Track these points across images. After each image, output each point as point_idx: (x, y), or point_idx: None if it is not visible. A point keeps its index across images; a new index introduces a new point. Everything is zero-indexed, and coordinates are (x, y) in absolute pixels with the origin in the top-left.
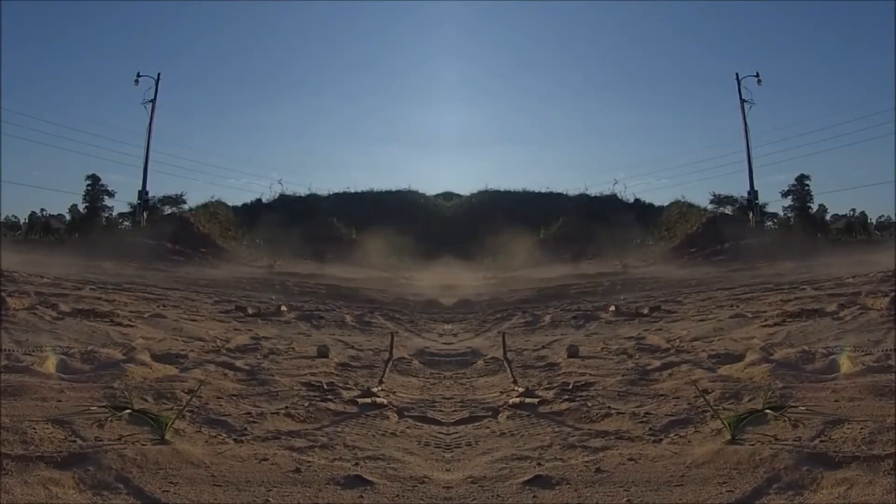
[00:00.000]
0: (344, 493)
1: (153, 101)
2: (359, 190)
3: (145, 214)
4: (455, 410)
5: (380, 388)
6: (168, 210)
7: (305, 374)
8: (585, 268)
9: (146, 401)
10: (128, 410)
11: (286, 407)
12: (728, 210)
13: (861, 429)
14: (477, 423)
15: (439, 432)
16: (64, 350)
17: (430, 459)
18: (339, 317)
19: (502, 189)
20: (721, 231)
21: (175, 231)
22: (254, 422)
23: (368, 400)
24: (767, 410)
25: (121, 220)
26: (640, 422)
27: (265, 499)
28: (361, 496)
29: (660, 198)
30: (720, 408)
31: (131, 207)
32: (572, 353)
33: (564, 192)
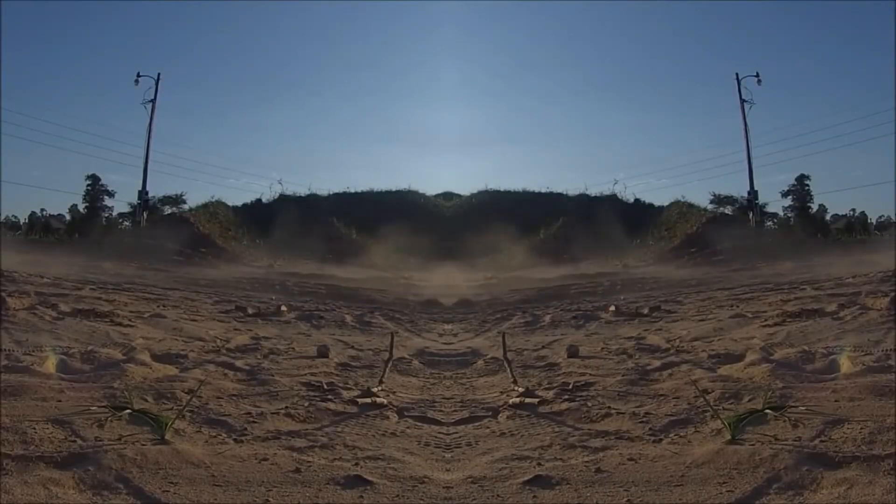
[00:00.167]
0: (344, 493)
1: (153, 101)
2: (359, 190)
3: (145, 214)
4: (455, 410)
5: (380, 388)
6: (168, 210)
7: (305, 374)
8: (585, 268)
9: (146, 401)
10: (128, 410)
11: (286, 407)
12: (728, 210)
13: (861, 429)
14: (477, 423)
15: (439, 432)
16: (64, 350)
17: (430, 459)
18: (339, 317)
19: (502, 189)
20: (721, 231)
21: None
22: (254, 422)
23: (368, 400)
24: (767, 410)
25: (121, 220)
26: (640, 422)
27: (265, 499)
28: (361, 496)
29: (660, 198)
30: (720, 408)
31: (131, 207)
32: (572, 353)
33: (564, 192)
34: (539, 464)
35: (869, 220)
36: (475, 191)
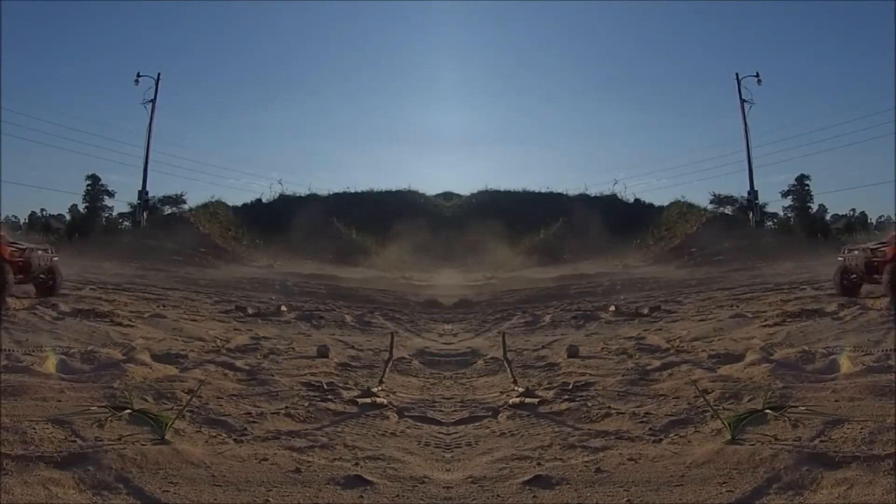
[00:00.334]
0: (344, 493)
1: (153, 101)
2: (359, 190)
3: (145, 214)
4: (455, 410)
5: (380, 388)
6: (168, 210)
7: (305, 374)
8: (585, 268)
9: (146, 401)
10: (128, 410)
11: (286, 407)
12: (728, 210)
13: (861, 429)
14: (477, 423)
15: (439, 432)
16: (64, 350)
17: (430, 459)
18: (339, 317)
19: (502, 189)
20: (721, 231)
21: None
22: (254, 422)
23: (368, 400)
24: (767, 410)
25: (121, 220)
26: (640, 422)
27: (265, 499)
28: (361, 496)
29: (660, 198)
30: (720, 408)
31: (131, 207)
32: (572, 353)
33: (564, 192)
34: (539, 464)
35: (869, 220)
36: (475, 191)
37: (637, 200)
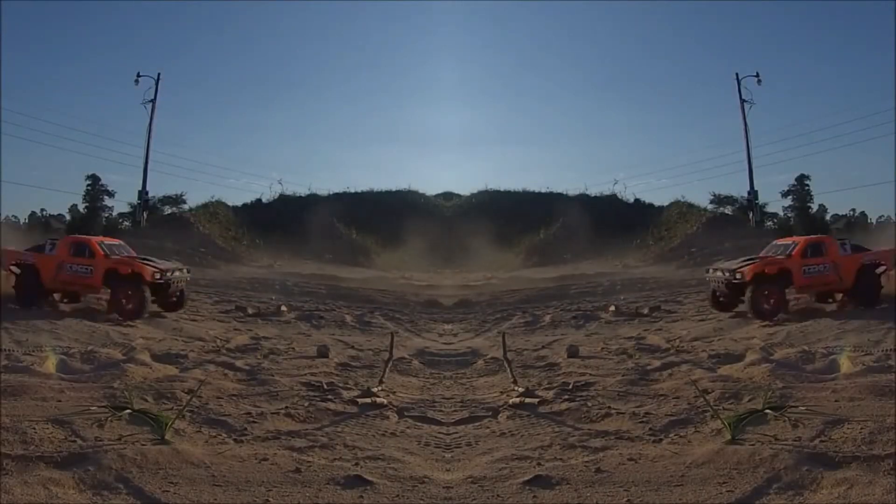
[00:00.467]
0: (344, 493)
1: (153, 101)
2: (359, 190)
3: (145, 214)
4: (455, 410)
5: (380, 388)
6: (168, 210)
7: (305, 374)
8: (585, 268)
9: (146, 401)
10: (128, 410)
11: (286, 407)
12: (728, 210)
13: (861, 429)
14: (476, 423)
15: (439, 432)
16: (64, 350)
17: (430, 459)
18: (339, 317)
19: (502, 189)
20: (721, 231)
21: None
22: (254, 422)
23: (368, 400)
24: (767, 410)
25: (121, 221)
26: (640, 422)
27: (265, 499)
28: (361, 496)
29: (660, 198)
30: (720, 408)
31: (131, 207)
32: (572, 353)
33: (564, 192)
34: (539, 464)
35: (869, 220)
36: (475, 191)
37: (637, 200)
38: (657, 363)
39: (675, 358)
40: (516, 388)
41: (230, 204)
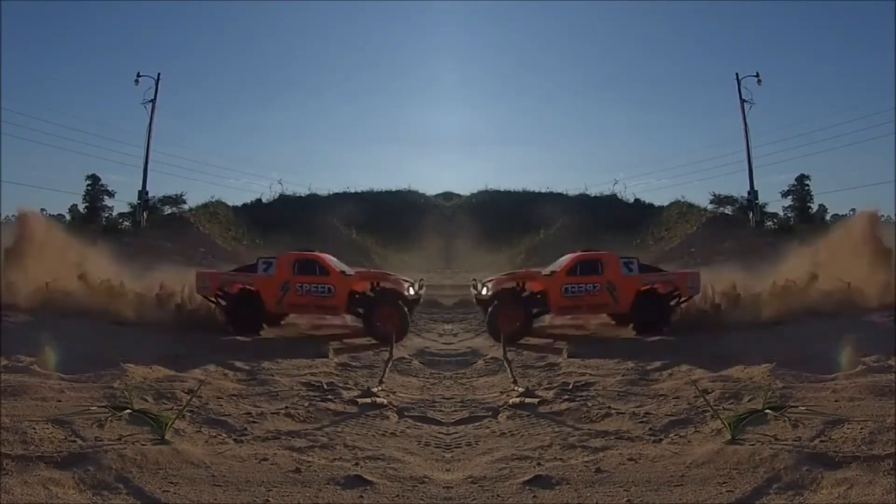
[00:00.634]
0: (344, 493)
1: (153, 101)
2: (359, 190)
3: (145, 214)
4: (455, 410)
5: (380, 388)
6: (168, 210)
7: (305, 374)
8: None
9: (146, 401)
10: (128, 410)
11: (286, 407)
12: (728, 210)
13: (861, 429)
14: (477, 423)
15: (439, 432)
16: (64, 350)
17: (430, 459)
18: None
19: (502, 189)
20: (721, 231)
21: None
22: (254, 422)
23: (368, 400)
24: (767, 410)
25: (121, 220)
26: (640, 422)
27: (265, 499)
28: (361, 496)
29: (660, 198)
30: (720, 408)
31: (131, 207)
32: (572, 353)
33: (564, 192)
34: (539, 464)
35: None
36: (475, 191)
37: (637, 200)
38: (657, 363)
39: (675, 358)
40: (516, 388)
41: (230, 204)
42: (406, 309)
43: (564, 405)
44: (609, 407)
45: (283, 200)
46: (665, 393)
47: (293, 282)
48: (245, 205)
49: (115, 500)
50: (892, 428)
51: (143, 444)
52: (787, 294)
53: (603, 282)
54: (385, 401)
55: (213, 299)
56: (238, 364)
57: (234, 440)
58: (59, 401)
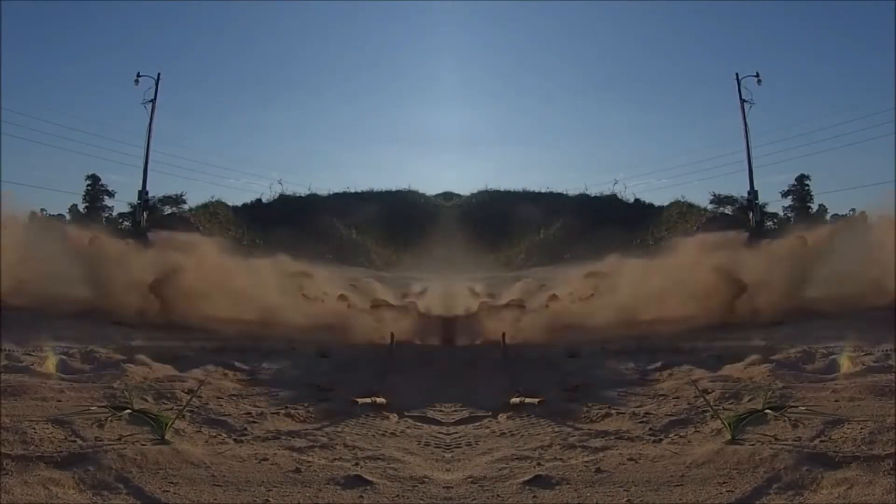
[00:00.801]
0: (344, 493)
1: (153, 101)
2: (359, 190)
3: (145, 214)
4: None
5: (380, 388)
6: (168, 210)
7: (305, 374)
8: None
9: (146, 401)
10: (128, 410)
11: (286, 407)
12: (728, 210)
13: (861, 429)
14: (477, 423)
15: (439, 432)
16: (64, 350)
17: (430, 459)
18: None
19: (502, 189)
20: (721, 231)
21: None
22: (254, 422)
23: (368, 400)
24: (767, 410)
25: (121, 220)
26: (640, 422)
27: (265, 499)
28: (361, 496)
29: (660, 198)
30: (720, 408)
31: (131, 207)
32: (572, 352)
33: (564, 192)
34: (539, 464)
35: (869, 221)
36: (475, 191)
37: (637, 200)
38: (657, 363)
39: (675, 358)
40: (516, 387)
41: (230, 204)
42: None
43: (564, 405)
44: (609, 407)
45: (283, 200)
46: (665, 393)
47: None
48: (245, 205)
49: (115, 500)
50: (892, 428)
51: (143, 444)
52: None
53: None
54: (385, 401)
55: None
56: (238, 364)
57: (234, 440)
58: (59, 401)
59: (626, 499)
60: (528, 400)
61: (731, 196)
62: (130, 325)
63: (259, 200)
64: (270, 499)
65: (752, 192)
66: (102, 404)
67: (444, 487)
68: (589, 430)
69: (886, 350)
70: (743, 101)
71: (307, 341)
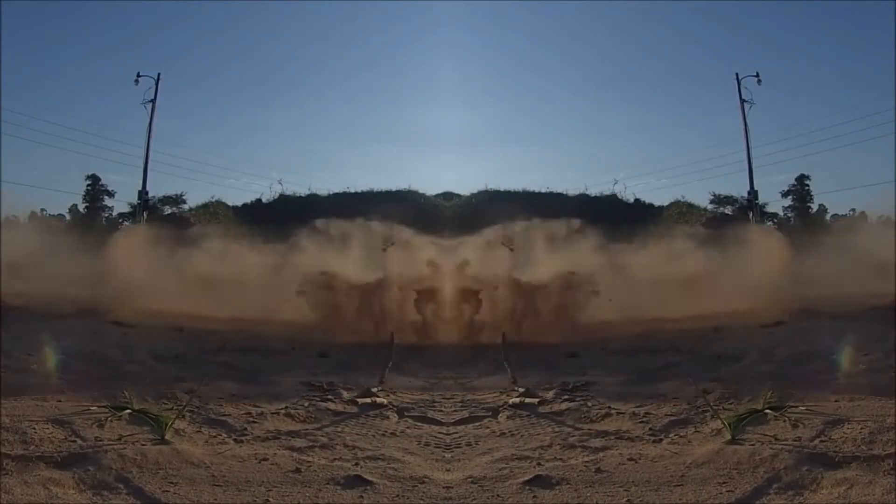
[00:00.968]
0: (344, 493)
1: (153, 101)
2: (359, 190)
3: (145, 214)
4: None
5: (380, 388)
6: (168, 210)
7: (305, 374)
8: None
9: (146, 401)
10: (128, 410)
11: (286, 407)
12: (728, 210)
13: (861, 429)
14: (477, 423)
15: (439, 432)
16: (64, 350)
17: (430, 459)
18: None
19: (502, 189)
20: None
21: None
22: (254, 422)
23: (368, 400)
24: (767, 410)
25: (121, 220)
26: (640, 422)
27: (265, 499)
28: (361, 496)
29: (660, 198)
30: (720, 408)
31: (131, 207)
32: (572, 353)
33: (564, 192)
34: (539, 464)
35: (869, 221)
36: (475, 191)
37: (637, 200)
38: (657, 363)
39: (675, 358)
40: (516, 388)
41: (230, 204)
42: None
43: (564, 405)
44: (609, 407)
45: (283, 200)
46: (665, 393)
47: None
48: (245, 205)
49: (115, 500)
50: (892, 428)
51: (143, 444)
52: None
53: None
54: (385, 401)
55: None
56: (238, 364)
57: (234, 440)
58: (59, 401)
59: (626, 499)
60: (528, 400)
61: (731, 196)
62: (130, 324)
63: (259, 200)
64: (270, 499)
65: (752, 192)
66: (102, 404)
67: (444, 487)
68: (589, 430)
69: (886, 350)
70: (743, 101)
71: (308, 340)
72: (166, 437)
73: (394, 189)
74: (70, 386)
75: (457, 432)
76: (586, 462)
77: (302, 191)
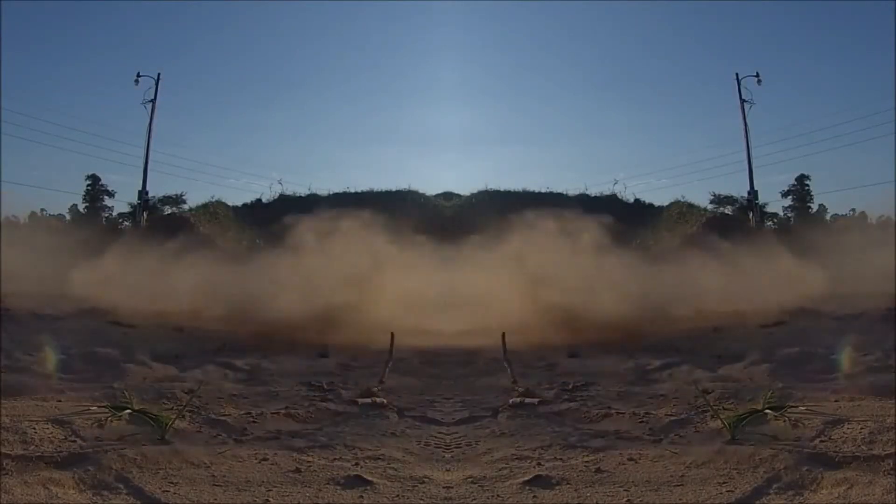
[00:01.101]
0: (344, 493)
1: (153, 101)
2: (359, 190)
3: (145, 214)
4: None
5: (380, 388)
6: (168, 210)
7: (305, 374)
8: None
9: (146, 401)
10: (128, 410)
11: (286, 407)
12: (728, 210)
13: (861, 429)
14: (476, 423)
15: (439, 432)
16: (64, 350)
17: (430, 459)
18: None
19: (502, 189)
20: (721, 231)
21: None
22: (254, 422)
23: (368, 400)
24: (767, 410)
25: (121, 220)
26: (640, 422)
27: (265, 499)
28: (361, 496)
29: (660, 198)
30: (720, 408)
31: (131, 207)
32: (572, 353)
33: (564, 192)
34: (539, 464)
35: (869, 221)
36: (475, 191)
37: (637, 200)
38: (657, 363)
39: (675, 358)
40: (516, 388)
41: (230, 204)
42: None
43: (564, 405)
44: (609, 407)
45: (283, 200)
46: (665, 393)
47: None
48: (245, 205)
49: (115, 500)
50: (892, 428)
51: (143, 444)
52: None
53: None
54: (385, 401)
55: None
56: (238, 364)
57: (234, 440)
58: (59, 401)
59: (626, 499)
60: (528, 400)
61: (731, 196)
62: (130, 324)
63: (259, 200)
64: (270, 499)
65: (752, 192)
66: (102, 404)
67: (444, 487)
68: (589, 430)
69: (886, 350)
70: (743, 101)
71: (307, 340)
72: (166, 437)
73: (394, 189)
74: (70, 386)
75: (456, 432)
76: (586, 462)
77: (302, 191)
